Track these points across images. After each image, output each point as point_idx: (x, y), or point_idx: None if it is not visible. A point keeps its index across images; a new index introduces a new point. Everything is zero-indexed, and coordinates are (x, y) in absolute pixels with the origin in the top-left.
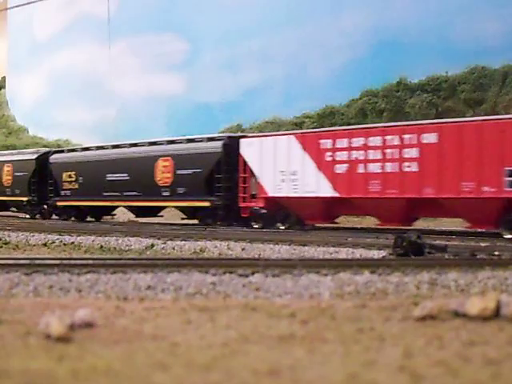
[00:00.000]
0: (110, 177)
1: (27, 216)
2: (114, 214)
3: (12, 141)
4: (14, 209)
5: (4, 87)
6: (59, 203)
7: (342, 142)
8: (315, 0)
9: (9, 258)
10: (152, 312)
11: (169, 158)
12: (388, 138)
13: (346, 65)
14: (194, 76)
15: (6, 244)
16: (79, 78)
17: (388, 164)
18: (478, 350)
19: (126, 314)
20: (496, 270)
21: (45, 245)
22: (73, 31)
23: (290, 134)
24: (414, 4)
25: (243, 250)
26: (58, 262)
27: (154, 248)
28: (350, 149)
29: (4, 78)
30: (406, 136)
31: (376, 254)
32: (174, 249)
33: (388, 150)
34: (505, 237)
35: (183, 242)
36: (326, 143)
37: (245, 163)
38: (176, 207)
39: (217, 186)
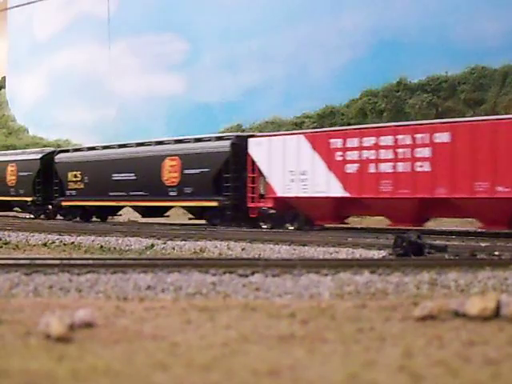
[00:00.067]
0: (116, 176)
1: (31, 216)
2: (120, 215)
3: (12, 141)
4: (17, 209)
5: (4, 87)
6: (64, 203)
7: (353, 142)
8: (315, 0)
9: (9, 258)
10: (152, 312)
11: (176, 157)
12: (400, 137)
13: (345, 65)
14: (194, 76)
15: (5, 244)
16: (79, 77)
17: (400, 164)
18: (478, 350)
19: (126, 314)
20: (496, 270)
21: (45, 245)
22: (73, 31)
23: (300, 133)
24: (413, 4)
25: (243, 250)
26: (58, 262)
27: (154, 248)
28: (360, 148)
29: (4, 78)
30: (418, 135)
31: (376, 254)
32: (173, 249)
33: (400, 150)
34: None
35: (183, 242)
36: (337, 142)
37: (253, 163)
38: (183, 207)
39: (225, 185)
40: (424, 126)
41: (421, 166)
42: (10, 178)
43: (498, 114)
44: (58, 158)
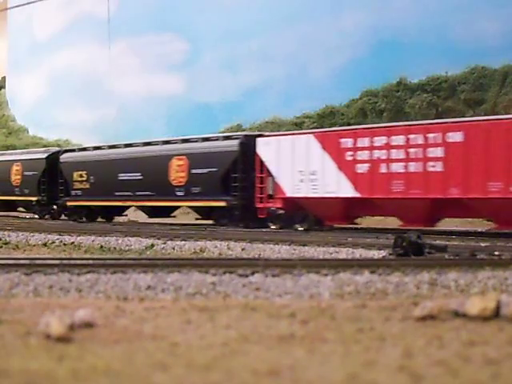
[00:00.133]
0: (123, 176)
1: (35, 216)
2: (126, 215)
3: (12, 141)
4: (21, 209)
5: (4, 87)
6: (69, 203)
7: (364, 141)
8: (315, 0)
9: (9, 258)
10: (152, 312)
11: (183, 156)
12: (411, 136)
13: (345, 65)
14: (194, 76)
15: (5, 244)
16: (79, 77)
17: (411, 164)
18: (478, 350)
19: (126, 314)
20: (496, 270)
21: (45, 245)
22: (73, 31)
23: (309, 132)
24: (413, 4)
25: (243, 250)
26: (57, 261)
27: (154, 248)
28: (371, 148)
29: (4, 78)
30: (431, 135)
31: (376, 254)
32: (173, 249)
33: (411, 150)
34: None
35: (183, 242)
36: (347, 142)
37: (261, 162)
38: (190, 207)
39: (233, 185)
40: (436, 125)
41: (433, 166)
42: (15, 178)
43: (497, 114)
44: (64, 157)
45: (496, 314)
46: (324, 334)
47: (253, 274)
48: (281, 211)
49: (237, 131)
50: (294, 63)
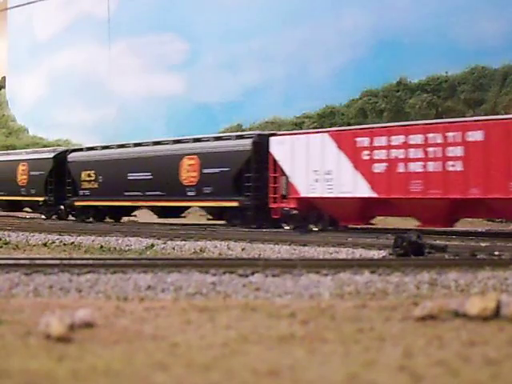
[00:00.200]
0: (132, 176)
1: (42, 216)
2: (135, 215)
3: (12, 141)
4: (28, 209)
5: (4, 87)
6: (77, 203)
7: (381, 140)
8: (315, 0)
9: (9, 258)
10: (152, 312)
11: (195, 156)
12: (430, 135)
13: (345, 65)
14: (194, 76)
15: (6, 244)
16: (79, 78)
17: (430, 163)
18: (478, 350)
19: (126, 314)
20: (496, 270)
21: (45, 245)
22: (73, 31)
23: (324, 131)
24: (413, 4)
25: (243, 250)
26: (57, 261)
27: (154, 248)
28: (388, 147)
29: (4, 78)
30: (450, 134)
31: (376, 254)
32: (173, 249)
33: (430, 149)
34: None
35: (183, 242)
36: (363, 141)
37: (275, 162)
38: (202, 207)
39: (246, 185)
40: (456, 124)
41: (453, 166)
42: (21, 178)
43: (497, 114)
44: (71, 157)
45: (496, 313)
46: (324, 334)
47: (253, 274)
48: (295, 211)
49: (237, 131)
50: (294, 63)
